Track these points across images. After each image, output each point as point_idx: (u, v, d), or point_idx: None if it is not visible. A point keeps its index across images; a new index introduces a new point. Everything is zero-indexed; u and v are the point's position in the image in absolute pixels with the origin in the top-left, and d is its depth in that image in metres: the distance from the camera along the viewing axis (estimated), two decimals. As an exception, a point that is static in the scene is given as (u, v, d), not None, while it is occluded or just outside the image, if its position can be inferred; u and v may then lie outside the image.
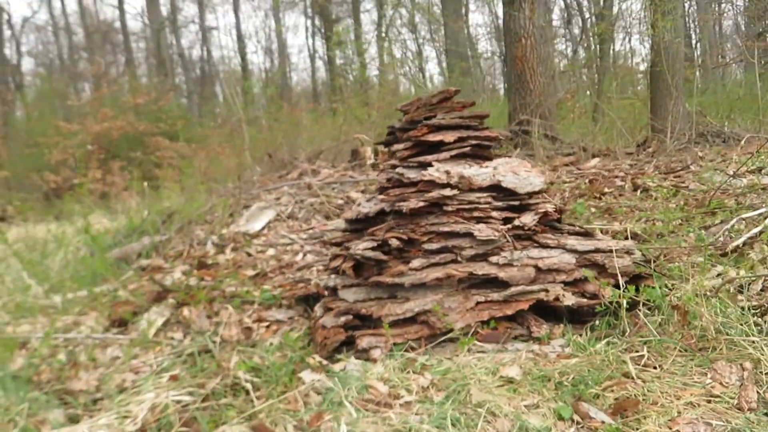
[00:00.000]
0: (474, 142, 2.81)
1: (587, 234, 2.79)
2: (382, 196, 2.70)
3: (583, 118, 10.31)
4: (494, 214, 2.68)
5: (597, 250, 2.64)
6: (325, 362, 2.32)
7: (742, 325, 2.14)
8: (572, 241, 2.65)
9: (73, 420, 2.02)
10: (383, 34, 23.96)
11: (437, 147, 2.79)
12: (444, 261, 2.55)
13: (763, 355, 2.00)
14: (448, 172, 2.65)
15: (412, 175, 2.68)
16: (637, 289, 2.52)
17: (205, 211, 5.08)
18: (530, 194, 2.78)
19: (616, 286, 2.53)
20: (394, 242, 2.57)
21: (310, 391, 2.11)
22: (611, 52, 13.71)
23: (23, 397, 2.14)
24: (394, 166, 2.79)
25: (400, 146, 2.82)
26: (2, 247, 5.07)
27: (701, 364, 2.09)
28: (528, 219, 2.68)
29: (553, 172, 5.93)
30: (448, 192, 2.61)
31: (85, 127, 15.08)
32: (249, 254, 4.35)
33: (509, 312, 2.44)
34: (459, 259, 2.55)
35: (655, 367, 2.12)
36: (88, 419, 1.98)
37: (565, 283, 2.59)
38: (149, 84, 18.55)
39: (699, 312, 2.17)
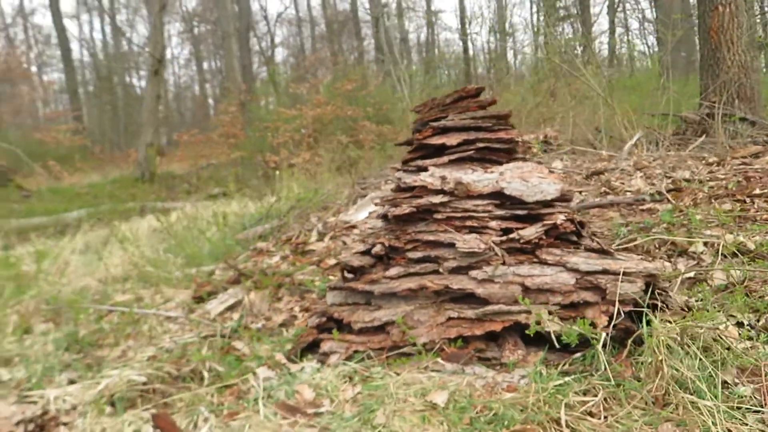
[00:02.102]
0: (482, 145, 2.61)
1: (604, 252, 2.43)
2: (377, 201, 2.67)
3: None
4: (492, 224, 2.48)
5: (605, 272, 2.30)
6: (284, 361, 2.42)
7: (706, 382, 1.73)
8: (576, 259, 2.35)
9: (71, 383, 2.41)
10: (616, 5, 22.18)
11: (442, 150, 2.65)
12: (424, 271, 2.45)
13: (714, 425, 1.60)
14: (443, 178, 2.52)
15: (408, 179, 2.60)
16: (637, 321, 2.16)
17: (323, 199, 5.41)
18: (541, 203, 2.51)
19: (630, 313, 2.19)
20: (377, 248, 2.54)
21: (252, 387, 2.23)
22: None
23: (58, 358, 2.62)
24: (397, 169, 2.73)
25: (409, 148, 2.75)
26: (168, 224, 6.01)
27: (651, 423, 1.75)
28: (529, 231, 2.43)
29: (707, 166, 5.09)
30: (437, 198, 2.49)
31: (302, 112, 16.66)
32: (344, 243, 4.55)
33: (478, 332, 2.27)
34: (441, 270, 2.43)
35: (599, 417, 1.83)
36: (77, 383, 2.36)
37: (561, 306, 2.31)
38: (359, 70, 19.73)
39: (657, 361, 1.80)
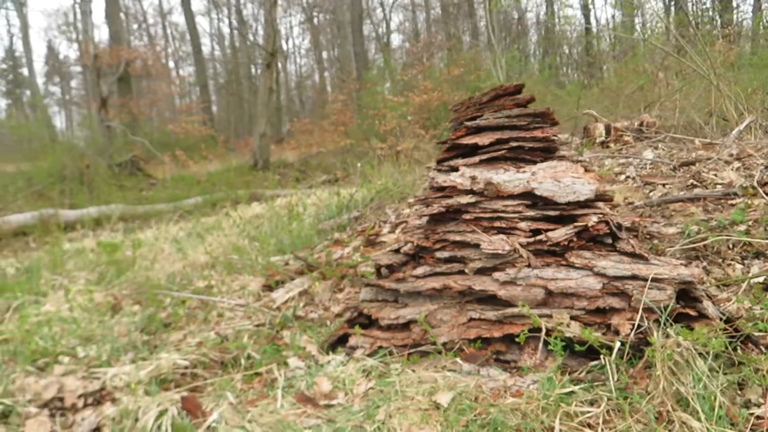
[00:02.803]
0: (515, 144, 2.57)
1: (639, 256, 2.32)
2: (411, 200, 2.71)
3: None
4: (522, 225, 2.45)
5: (634, 277, 2.20)
6: (314, 353, 2.55)
7: (714, 401, 1.63)
8: (605, 263, 2.26)
9: (132, 362, 2.70)
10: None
11: (476, 150, 2.64)
12: (449, 271, 2.47)
13: (702, 447, 1.52)
14: (473, 178, 2.52)
15: (440, 179, 2.62)
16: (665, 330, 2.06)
17: (401, 190, 5.49)
18: (574, 204, 2.43)
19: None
20: (407, 247, 2.59)
21: (279, 376, 2.38)
22: None
23: (131, 338, 2.94)
24: (432, 169, 2.76)
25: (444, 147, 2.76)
26: (266, 213, 6.38)
27: (646, 440, 1.68)
28: (559, 233, 2.37)
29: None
30: (466, 199, 2.49)
31: (409, 99, 16.76)
32: (414, 235, 4.62)
33: (497, 334, 2.26)
34: (466, 270, 2.44)
35: (597, 430, 1.79)
36: (135, 363, 2.63)
37: (587, 311, 2.25)
38: (471, 54, 19.44)
39: (657, 377, 1.72)
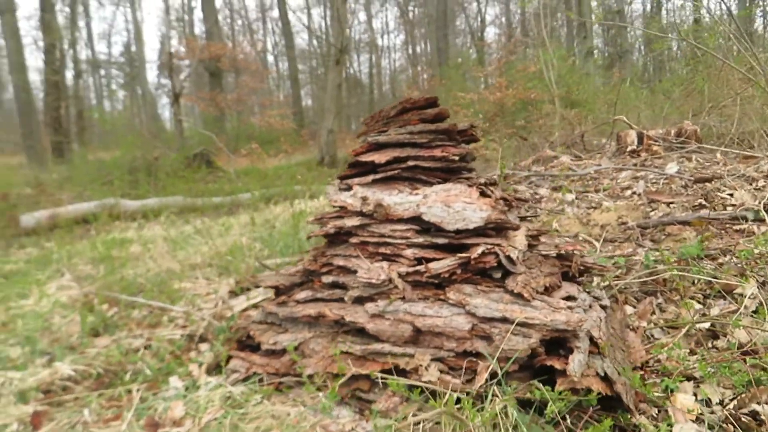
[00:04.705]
0: (412, 163, 2.37)
1: (520, 296, 2.06)
2: (312, 219, 2.58)
3: None
4: (407, 252, 2.26)
5: (504, 320, 1.97)
6: (195, 373, 2.49)
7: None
8: (479, 301, 2.04)
9: (44, 367, 2.76)
10: None
11: (375, 168, 2.47)
12: (330, 298, 2.33)
13: None
14: (364, 198, 2.35)
15: (335, 198, 2.47)
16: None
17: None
18: (466, 232, 2.21)
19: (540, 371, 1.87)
20: (294, 269, 2.47)
21: (136, 396, 2.34)
22: None
23: (70, 340, 3.02)
24: (334, 186, 2.61)
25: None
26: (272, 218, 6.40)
27: None
28: (440, 264, 2.16)
29: None
30: (353, 221, 2.33)
31: (482, 96, 16.31)
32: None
33: (357, 371, 2.10)
34: (346, 298, 2.28)
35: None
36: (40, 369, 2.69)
37: (456, 354, 2.04)
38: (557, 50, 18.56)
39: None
